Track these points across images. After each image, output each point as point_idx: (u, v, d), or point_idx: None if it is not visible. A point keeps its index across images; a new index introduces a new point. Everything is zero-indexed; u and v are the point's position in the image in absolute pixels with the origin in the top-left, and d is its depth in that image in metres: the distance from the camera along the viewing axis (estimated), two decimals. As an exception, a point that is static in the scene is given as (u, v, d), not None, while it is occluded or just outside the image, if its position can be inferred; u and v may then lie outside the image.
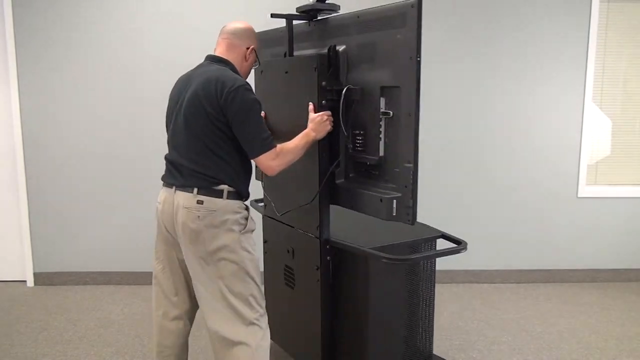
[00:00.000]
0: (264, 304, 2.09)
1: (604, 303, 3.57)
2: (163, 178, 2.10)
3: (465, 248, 2.22)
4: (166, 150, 3.73)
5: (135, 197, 3.83)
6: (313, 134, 2.10)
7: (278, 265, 2.56)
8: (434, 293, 2.42)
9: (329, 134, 2.15)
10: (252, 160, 2.05)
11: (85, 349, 2.92)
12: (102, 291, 3.78)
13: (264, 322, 2.07)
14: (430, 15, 3.69)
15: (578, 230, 3.91)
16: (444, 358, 2.76)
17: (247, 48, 2.14)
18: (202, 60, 3.62)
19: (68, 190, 3.81)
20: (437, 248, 2.35)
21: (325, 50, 2.18)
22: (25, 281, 3.93)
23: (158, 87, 3.72)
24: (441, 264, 3.84)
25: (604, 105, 3.86)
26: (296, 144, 2.07)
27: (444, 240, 2.39)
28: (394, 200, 1.95)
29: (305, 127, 2.12)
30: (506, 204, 3.87)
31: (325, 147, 2.18)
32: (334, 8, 2.23)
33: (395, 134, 1.97)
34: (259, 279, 2.06)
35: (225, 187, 1.98)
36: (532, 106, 3.78)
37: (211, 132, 1.95)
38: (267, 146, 1.99)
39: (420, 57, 1.84)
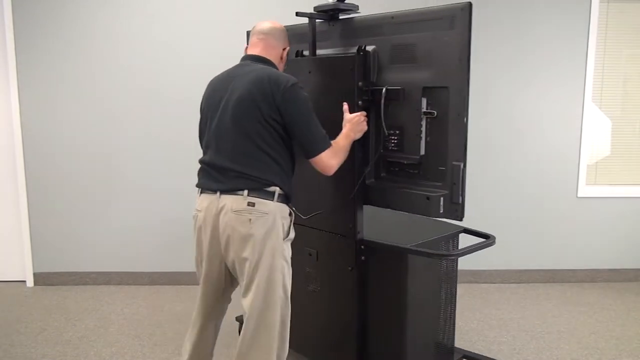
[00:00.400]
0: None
1: (604, 303, 3.56)
2: (201, 184, 2.01)
3: (494, 242, 2.27)
4: (165, 149, 3.76)
5: (135, 197, 3.83)
6: (352, 135, 2.07)
7: (295, 269, 2.56)
8: (456, 288, 2.46)
9: (364, 134, 2.15)
10: (307, 161, 2.00)
11: (85, 349, 2.91)
12: (102, 291, 3.78)
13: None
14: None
15: (578, 230, 3.91)
16: (465, 349, 2.76)
17: (284, 49, 2.12)
18: (202, 59, 3.65)
19: (68, 190, 3.81)
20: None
21: (350, 50, 2.18)
22: (24, 281, 3.93)
23: (158, 87, 3.72)
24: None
25: (604, 105, 3.86)
26: (344, 143, 2.04)
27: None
28: (441, 198, 1.98)
29: (336, 127, 2.09)
30: (506, 203, 3.86)
31: (360, 147, 2.18)
32: (354, 8, 2.24)
33: (439, 134, 2.00)
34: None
35: (276, 189, 1.92)
36: (531, 106, 3.78)
37: (264, 130, 1.89)
38: (328, 144, 1.95)
39: (470, 58, 1.87)
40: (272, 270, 1.92)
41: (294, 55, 2.44)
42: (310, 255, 2.41)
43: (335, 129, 2.08)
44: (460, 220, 1.98)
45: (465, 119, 1.91)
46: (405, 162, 2.12)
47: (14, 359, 2.80)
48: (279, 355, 1.98)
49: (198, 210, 1.99)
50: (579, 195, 3.87)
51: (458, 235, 2.41)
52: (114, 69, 3.70)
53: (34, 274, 3.88)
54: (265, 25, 2.09)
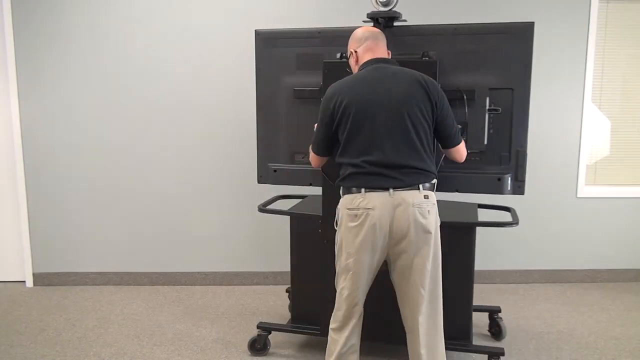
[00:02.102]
0: None
1: (604, 303, 3.56)
2: (366, 183, 2.08)
3: (516, 215, 2.76)
4: (165, 151, 3.76)
5: (134, 197, 3.82)
6: None
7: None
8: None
9: None
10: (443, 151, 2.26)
11: (84, 349, 2.91)
12: (101, 291, 3.77)
13: None
14: (425, 13, 3.68)
15: (578, 230, 3.91)
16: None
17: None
18: (205, 60, 3.65)
19: (67, 190, 3.81)
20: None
21: (407, 55, 2.45)
22: (24, 282, 3.92)
23: (157, 88, 3.72)
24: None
25: (603, 106, 3.86)
26: None
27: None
28: (509, 178, 2.46)
29: None
30: (505, 203, 3.85)
31: None
32: (400, 16, 2.49)
33: (502, 126, 2.46)
34: None
35: (435, 180, 2.16)
36: (530, 106, 3.77)
37: (426, 125, 2.09)
38: (462, 135, 2.23)
39: (532, 65, 2.37)
40: (439, 255, 2.15)
41: (339, 57, 2.49)
42: None
43: None
44: (523, 194, 2.52)
45: (527, 113, 2.41)
46: (468, 151, 2.41)
47: (14, 359, 2.80)
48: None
49: (369, 209, 2.06)
50: (578, 195, 3.87)
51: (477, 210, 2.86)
52: (115, 69, 3.70)
53: (34, 274, 3.88)
54: (373, 29, 2.26)
